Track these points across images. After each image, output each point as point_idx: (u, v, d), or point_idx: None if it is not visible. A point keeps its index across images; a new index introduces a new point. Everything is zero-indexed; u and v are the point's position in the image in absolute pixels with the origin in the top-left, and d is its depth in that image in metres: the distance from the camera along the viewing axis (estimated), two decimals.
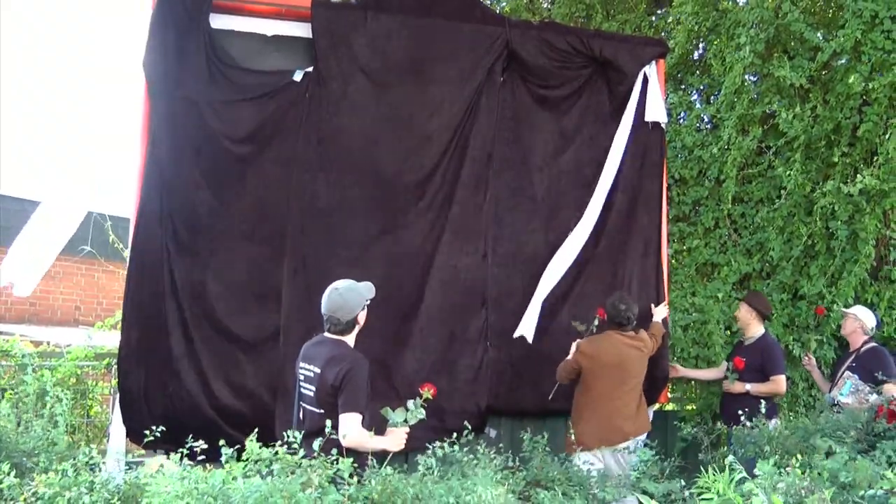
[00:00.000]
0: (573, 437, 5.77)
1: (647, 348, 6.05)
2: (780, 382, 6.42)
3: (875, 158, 7.65)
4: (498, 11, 8.63)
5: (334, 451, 3.54)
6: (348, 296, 4.51)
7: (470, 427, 4.79)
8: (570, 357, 5.97)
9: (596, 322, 6.14)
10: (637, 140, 6.82)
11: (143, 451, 5.72)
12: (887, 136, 7.42)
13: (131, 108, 5.84)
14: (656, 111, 6.84)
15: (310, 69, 6.10)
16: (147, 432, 4.39)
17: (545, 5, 11.01)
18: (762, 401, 5.68)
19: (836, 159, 7.64)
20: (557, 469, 4.70)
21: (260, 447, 3.40)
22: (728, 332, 7.63)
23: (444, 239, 6.31)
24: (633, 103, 6.80)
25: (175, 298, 5.74)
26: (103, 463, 4.54)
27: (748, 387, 6.38)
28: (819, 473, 3.37)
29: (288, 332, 5.74)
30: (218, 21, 5.98)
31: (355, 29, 6.15)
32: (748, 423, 5.26)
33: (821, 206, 7.62)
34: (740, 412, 5.43)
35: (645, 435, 5.93)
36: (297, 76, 6.08)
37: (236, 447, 3.47)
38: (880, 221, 7.68)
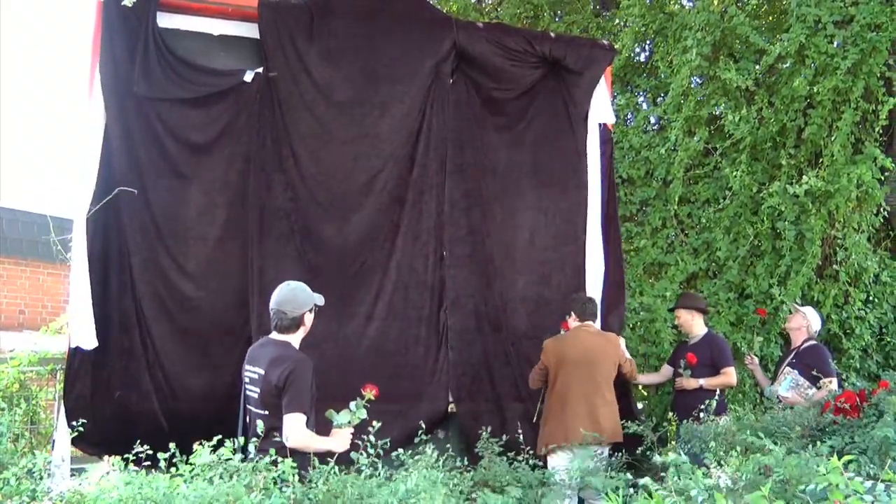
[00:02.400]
0: (541, 439, 5.79)
1: (615, 347, 6.03)
2: (731, 374, 6.48)
3: (820, 160, 7.79)
4: (445, 12, 8.62)
5: (272, 451, 3.52)
6: (298, 293, 4.51)
7: (426, 428, 4.80)
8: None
9: (563, 334, 6.16)
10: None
11: (81, 455, 5.65)
12: (832, 139, 7.56)
13: (84, 108, 5.75)
14: (603, 112, 6.89)
15: (260, 69, 6.06)
16: (80, 431, 4.34)
17: (493, 3, 11.06)
18: (714, 396, 5.75)
19: (782, 161, 7.76)
20: (506, 470, 4.72)
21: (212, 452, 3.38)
22: (675, 331, 7.71)
23: (400, 241, 6.28)
24: (594, 109, 6.85)
25: (130, 299, 5.67)
26: (47, 471, 4.46)
27: (701, 381, 6.40)
28: (753, 468, 3.41)
29: (257, 336, 5.64)
30: (164, 20, 5.91)
31: (302, 29, 6.11)
32: (700, 418, 5.31)
33: (767, 206, 7.74)
34: (696, 408, 5.48)
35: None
36: (248, 77, 6.04)
37: (176, 450, 3.44)
38: (826, 222, 7.81)
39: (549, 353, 5.88)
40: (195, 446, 3.46)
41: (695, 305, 6.79)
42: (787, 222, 7.73)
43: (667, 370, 6.90)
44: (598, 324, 6.26)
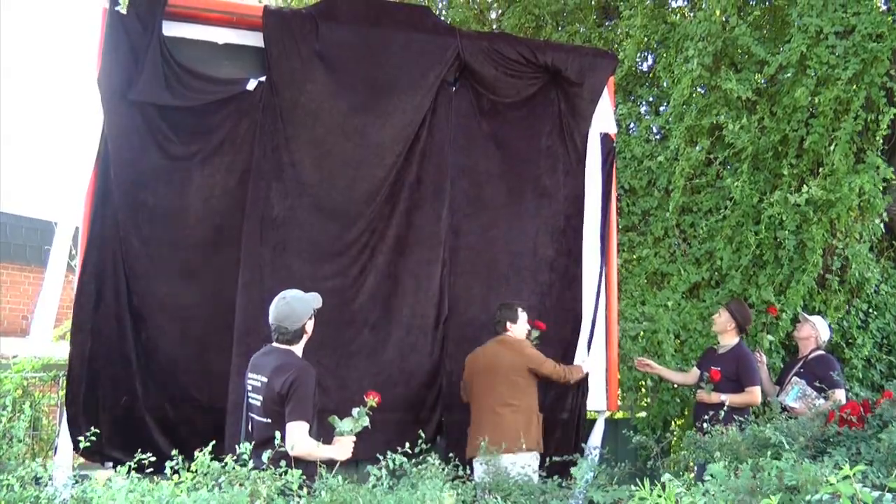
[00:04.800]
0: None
1: (516, 353, 5.91)
2: (755, 393, 6.38)
3: (821, 169, 7.79)
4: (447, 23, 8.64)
5: (283, 462, 3.52)
6: (295, 305, 4.51)
7: (424, 437, 4.81)
8: None
9: (536, 334, 6.17)
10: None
11: (83, 461, 5.65)
12: (832, 148, 7.57)
13: (85, 115, 5.76)
14: (605, 122, 6.90)
15: (263, 78, 6.06)
16: (82, 439, 4.34)
17: (494, 16, 11.09)
18: (742, 412, 5.72)
19: (783, 170, 7.76)
20: (507, 478, 4.71)
21: (212, 459, 3.38)
22: (678, 341, 7.69)
23: (402, 249, 6.30)
24: (596, 118, 6.86)
25: (129, 306, 5.67)
26: (50, 477, 4.46)
27: (723, 397, 6.28)
28: (768, 473, 3.41)
29: (241, 343, 5.68)
30: (169, 28, 5.92)
31: (307, 38, 6.12)
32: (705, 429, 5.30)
33: (768, 215, 7.74)
34: (714, 419, 5.47)
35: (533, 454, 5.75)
36: (251, 85, 6.05)
37: (181, 458, 3.45)
38: (827, 231, 7.81)
39: (465, 367, 6.05)
40: (196, 453, 3.47)
41: (737, 315, 6.70)
42: (787, 231, 7.73)
43: (695, 373, 6.85)
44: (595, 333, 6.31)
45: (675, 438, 6.80)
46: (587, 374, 6.38)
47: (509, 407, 5.80)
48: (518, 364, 5.87)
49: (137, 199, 5.73)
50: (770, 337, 7.82)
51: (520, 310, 6.03)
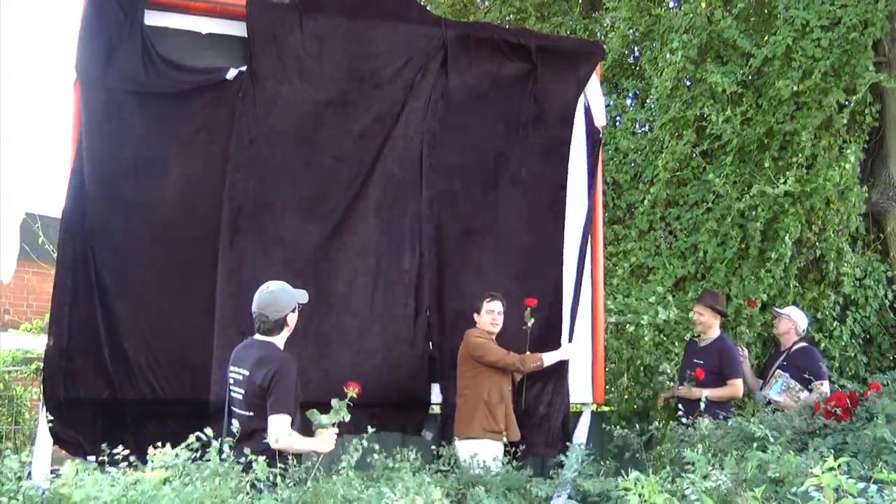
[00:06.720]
0: None
1: (465, 342, 6.07)
2: (737, 386, 6.41)
3: (794, 160, 7.78)
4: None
5: (264, 454, 3.50)
6: (279, 295, 4.50)
7: (410, 429, 4.79)
8: None
9: (529, 312, 6.20)
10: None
11: (63, 454, 5.60)
12: (813, 140, 7.58)
13: (63, 106, 5.70)
14: (592, 113, 6.87)
15: (243, 68, 6.01)
16: (57, 429, 4.31)
17: (482, 5, 11.06)
18: (727, 405, 5.72)
19: (766, 163, 7.76)
20: (493, 470, 4.70)
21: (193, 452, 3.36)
22: (660, 334, 7.68)
23: (382, 239, 6.26)
24: (580, 110, 6.84)
25: (108, 299, 5.62)
26: (29, 472, 4.41)
27: (706, 392, 6.20)
28: (755, 467, 3.40)
29: (222, 335, 5.64)
30: (151, 18, 5.85)
31: (291, 29, 6.08)
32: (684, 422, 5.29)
33: (747, 207, 7.74)
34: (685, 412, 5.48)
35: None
36: (230, 74, 5.99)
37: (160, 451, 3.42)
38: (803, 223, 7.81)
39: None
40: (150, 450, 3.45)
41: (717, 307, 6.70)
42: (759, 223, 7.72)
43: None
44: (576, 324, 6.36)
45: (658, 432, 6.78)
46: (566, 363, 6.39)
47: (461, 396, 6.00)
48: (463, 353, 6.05)
49: (113, 189, 5.66)
50: (746, 330, 7.79)
51: (486, 301, 6.09)
